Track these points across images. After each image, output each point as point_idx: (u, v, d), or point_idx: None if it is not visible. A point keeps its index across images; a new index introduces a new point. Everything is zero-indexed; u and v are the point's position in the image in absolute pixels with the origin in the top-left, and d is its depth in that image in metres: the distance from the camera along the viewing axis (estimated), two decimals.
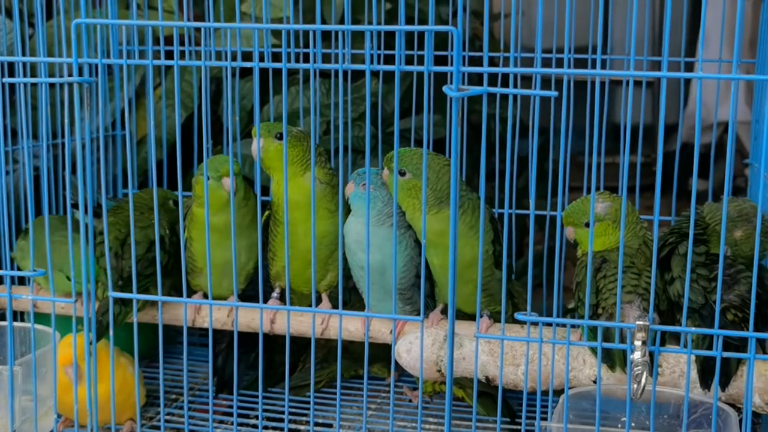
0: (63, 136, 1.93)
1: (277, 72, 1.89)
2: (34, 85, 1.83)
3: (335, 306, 1.64)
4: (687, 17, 1.79)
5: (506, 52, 1.99)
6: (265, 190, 1.71)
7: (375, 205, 1.53)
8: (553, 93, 1.14)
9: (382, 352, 1.79)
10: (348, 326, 1.58)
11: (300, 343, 1.69)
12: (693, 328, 1.22)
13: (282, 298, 1.69)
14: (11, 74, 1.59)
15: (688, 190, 2.11)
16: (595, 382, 1.42)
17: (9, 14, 1.85)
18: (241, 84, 1.98)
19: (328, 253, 1.62)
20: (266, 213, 1.65)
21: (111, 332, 1.46)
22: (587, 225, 1.48)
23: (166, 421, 1.69)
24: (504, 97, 2.23)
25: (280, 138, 1.58)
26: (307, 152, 1.58)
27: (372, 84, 1.93)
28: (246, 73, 2.01)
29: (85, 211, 1.38)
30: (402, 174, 1.49)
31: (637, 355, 1.17)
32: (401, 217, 1.53)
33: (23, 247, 1.67)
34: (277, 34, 1.96)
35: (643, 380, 1.17)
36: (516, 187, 1.79)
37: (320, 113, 1.94)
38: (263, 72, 1.85)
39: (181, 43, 1.92)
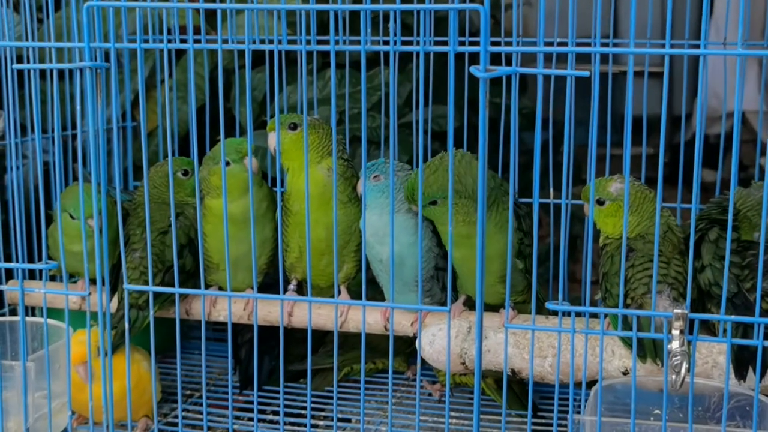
0: (74, 128, 1.90)
1: (290, 63, 1.85)
2: (43, 78, 1.80)
3: (354, 298, 1.61)
4: (693, 6, 1.75)
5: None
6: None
7: (388, 194, 1.49)
8: (585, 73, 1.10)
9: (400, 345, 1.75)
10: (366, 319, 1.55)
11: (314, 336, 1.65)
12: (733, 317, 1.17)
13: (299, 290, 1.66)
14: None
15: (701, 181, 2.07)
16: (624, 373, 1.38)
17: (16, 8, 1.81)
18: (251, 75, 1.94)
19: (341, 243, 1.59)
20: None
21: (126, 329, 1.42)
22: (598, 202, 1.44)
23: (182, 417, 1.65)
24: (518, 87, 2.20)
25: (293, 128, 1.55)
26: (323, 141, 1.55)
27: (384, 74, 1.89)
28: (256, 64, 1.97)
29: (98, 204, 1.35)
30: (434, 203, 1.45)
31: (675, 345, 1.13)
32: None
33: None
34: (291, 24, 1.93)
35: (683, 371, 1.13)
36: (528, 179, 1.75)
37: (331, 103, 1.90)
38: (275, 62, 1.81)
39: (194, 32, 1.88)
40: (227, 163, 1.54)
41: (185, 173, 1.66)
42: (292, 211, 1.58)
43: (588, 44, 1.76)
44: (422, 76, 1.15)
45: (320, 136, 1.55)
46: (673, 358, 1.13)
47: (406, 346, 1.79)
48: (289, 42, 1.79)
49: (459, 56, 1.79)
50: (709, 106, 3.24)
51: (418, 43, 1.80)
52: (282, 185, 1.60)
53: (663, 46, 2.10)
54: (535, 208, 1.21)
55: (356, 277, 1.66)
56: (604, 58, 1.73)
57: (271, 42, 1.76)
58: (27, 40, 1.69)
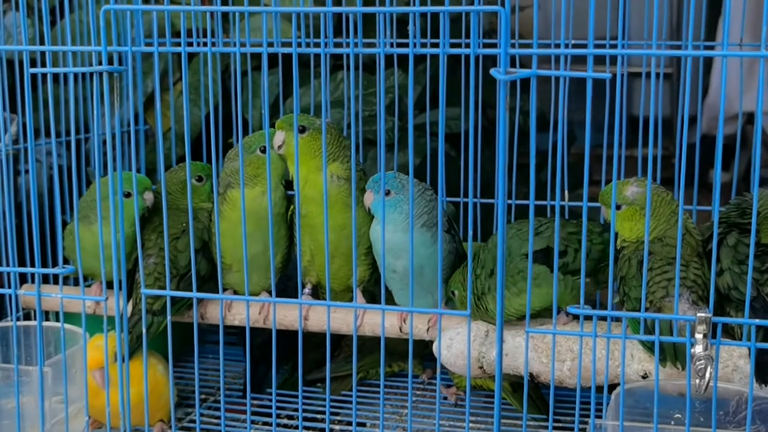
0: (86, 131, 1.89)
1: (300, 65, 1.84)
2: (55, 82, 1.79)
3: (369, 301, 1.60)
4: (698, 6, 1.74)
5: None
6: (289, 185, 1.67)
7: (402, 209, 1.48)
8: (607, 75, 1.09)
9: (416, 348, 1.74)
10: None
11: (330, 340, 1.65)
12: (757, 320, 1.16)
13: (314, 294, 1.65)
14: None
15: (709, 183, 2.07)
16: (643, 377, 1.37)
17: (28, 11, 1.81)
18: (262, 77, 1.94)
19: (351, 246, 1.57)
20: (291, 208, 1.62)
21: (144, 334, 1.41)
22: (616, 206, 1.43)
23: (194, 421, 1.64)
24: (524, 89, 2.18)
25: (302, 131, 1.54)
26: (330, 146, 1.53)
27: (391, 77, 1.89)
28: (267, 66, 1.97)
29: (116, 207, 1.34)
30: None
31: (698, 349, 1.12)
32: (429, 216, 1.49)
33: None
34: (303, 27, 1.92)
35: (707, 375, 1.12)
36: (540, 181, 1.75)
37: (344, 106, 1.90)
38: (287, 64, 1.81)
39: (205, 36, 1.88)
40: (264, 150, 1.54)
41: (199, 179, 1.66)
42: (301, 214, 1.57)
43: (602, 46, 1.75)
44: (443, 79, 1.14)
45: (328, 141, 1.54)
46: (697, 363, 1.12)
47: (422, 349, 1.79)
48: (301, 45, 1.79)
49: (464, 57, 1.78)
50: (717, 107, 3.21)
51: (430, 45, 1.80)
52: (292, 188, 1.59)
53: (672, 47, 2.09)
54: (557, 212, 1.20)
55: (369, 280, 1.65)
56: (614, 58, 1.73)
57: (283, 45, 1.76)
58: (40, 43, 1.69)
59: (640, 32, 1.78)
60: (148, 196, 1.57)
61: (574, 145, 2.22)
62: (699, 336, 1.13)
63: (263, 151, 1.56)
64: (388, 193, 1.49)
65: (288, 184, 1.66)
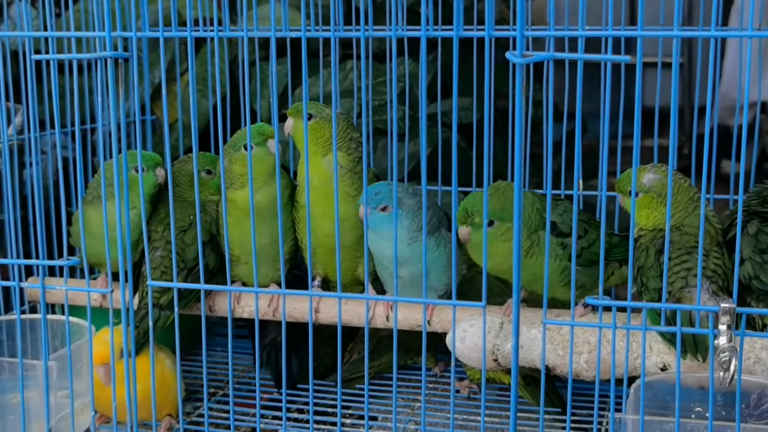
0: (92, 122, 1.87)
1: (309, 55, 1.81)
2: (61, 73, 1.76)
3: (379, 293, 1.57)
4: None
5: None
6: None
7: (401, 223, 1.44)
8: (625, 58, 1.06)
9: (429, 341, 1.71)
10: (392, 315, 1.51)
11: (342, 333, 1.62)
12: None
13: (323, 287, 1.62)
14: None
15: (721, 173, 2.04)
16: (662, 369, 1.34)
17: (33, 3, 1.79)
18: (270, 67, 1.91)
19: (355, 239, 1.54)
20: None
21: (151, 327, 1.39)
22: (631, 194, 1.39)
23: (203, 416, 1.62)
24: (536, 79, 2.15)
25: (309, 118, 1.51)
26: (337, 134, 1.50)
27: (401, 65, 1.85)
28: (276, 56, 1.94)
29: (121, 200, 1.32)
30: (491, 224, 1.41)
31: (722, 341, 1.09)
32: (429, 225, 1.46)
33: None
34: (310, 16, 1.89)
35: (732, 368, 1.08)
36: (552, 170, 1.71)
37: (353, 95, 1.87)
38: (295, 53, 1.78)
39: (211, 24, 1.85)
40: (252, 147, 1.51)
41: (208, 172, 1.63)
42: (300, 204, 1.54)
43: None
44: (456, 62, 1.11)
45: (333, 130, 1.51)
46: (721, 355, 1.09)
47: (435, 342, 1.76)
48: (310, 31, 1.76)
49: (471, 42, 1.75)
50: (732, 97, 3.17)
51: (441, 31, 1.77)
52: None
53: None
54: (575, 202, 1.17)
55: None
56: (628, 47, 1.69)
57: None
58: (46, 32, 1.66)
59: (653, 21, 1.74)
60: (160, 172, 1.57)
61: (585, 136, 2.19)
62: (723, 327, 1.09)
63: (252, 147, 1.52)
64: (384, 208, 1.44)
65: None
